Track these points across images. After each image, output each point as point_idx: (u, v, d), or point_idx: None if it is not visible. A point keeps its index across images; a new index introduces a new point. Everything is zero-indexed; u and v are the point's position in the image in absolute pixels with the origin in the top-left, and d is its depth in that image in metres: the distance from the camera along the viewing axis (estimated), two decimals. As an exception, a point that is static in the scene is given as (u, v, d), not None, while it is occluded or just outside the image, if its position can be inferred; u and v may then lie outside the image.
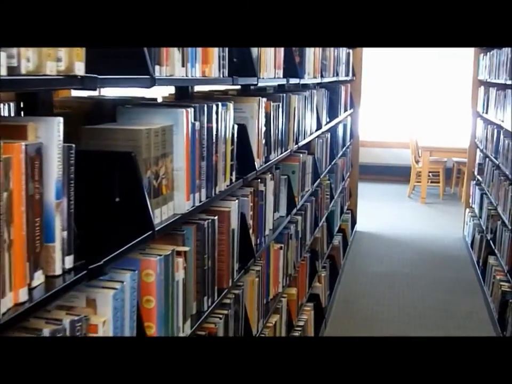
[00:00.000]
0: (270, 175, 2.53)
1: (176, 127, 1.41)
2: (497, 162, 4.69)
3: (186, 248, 1.47)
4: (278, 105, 2.51)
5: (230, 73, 1.81)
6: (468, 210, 6.23)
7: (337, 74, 4.65)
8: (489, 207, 5.00)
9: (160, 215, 1.35)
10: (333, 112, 4.53)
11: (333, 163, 4.56)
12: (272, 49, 2.32)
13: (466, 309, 4.44)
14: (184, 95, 2.08)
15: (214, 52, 1.65)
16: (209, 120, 1.62)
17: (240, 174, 2.04)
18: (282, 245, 2.78)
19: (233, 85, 1.85)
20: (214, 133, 1.66)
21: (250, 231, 2.24)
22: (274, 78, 2.42)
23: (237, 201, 1.95)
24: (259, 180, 2.34)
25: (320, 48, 3.58)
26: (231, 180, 1.87)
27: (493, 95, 5.16)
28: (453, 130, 8.93)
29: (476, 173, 5.93)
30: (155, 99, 2.10)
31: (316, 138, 3.85)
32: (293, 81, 2.79)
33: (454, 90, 9.14)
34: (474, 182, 6.02)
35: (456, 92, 9.07)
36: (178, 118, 1.41)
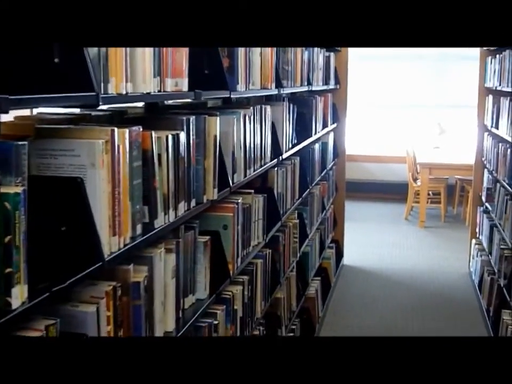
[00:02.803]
0: (164, 249, 1.56)
1: None
2: (513, 192, 3.74)
3: None
4: (176, 135, 1.55)
5: (3, 91, 0.85)
6: (474, 241, 5.26)
7: (310, 83, 3.69)
8: (502, 246, 4.03)
9: None
10: (304, 131, 3.57)
11: (305, 194, 3.60)
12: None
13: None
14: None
15: None
16: None
17: (60, 276, 1.08)
18: (198, 347, 1.81)
19: (22, 109, 0.88)
20: None
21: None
22: (162, 91, 1.45)
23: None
24: (131, 265, 1.38)
25: (274, 49, 2.62)
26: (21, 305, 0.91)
27: (505, 107, 4.20)
28: (455, 144, 7.96)
29: (483, 199, 4.95)
30: None
31: (276, 169, 2.90)
32: (210, 95, 1.81)
33: (457, 98, 8.18)
34: (482, 209, 5.05)
35: (460, 100, 8.12)
36: None
